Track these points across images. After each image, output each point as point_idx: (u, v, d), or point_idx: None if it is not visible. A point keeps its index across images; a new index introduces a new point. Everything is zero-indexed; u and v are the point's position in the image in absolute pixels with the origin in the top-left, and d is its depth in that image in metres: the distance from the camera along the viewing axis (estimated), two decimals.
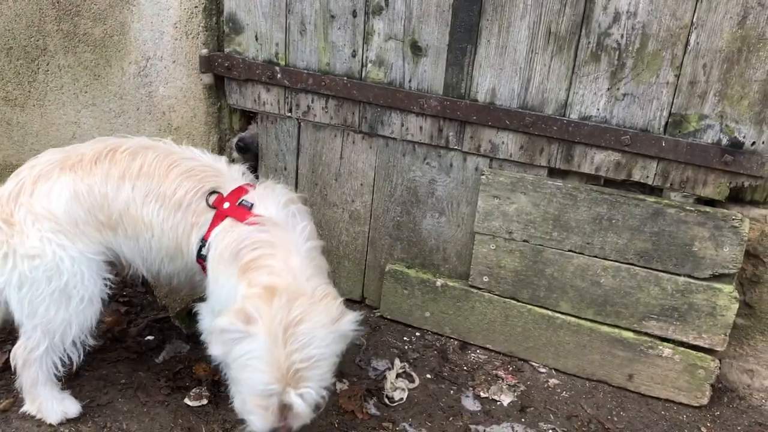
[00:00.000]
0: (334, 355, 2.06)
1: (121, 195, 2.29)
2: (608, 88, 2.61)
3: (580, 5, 2.54)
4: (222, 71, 3.08)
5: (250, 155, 3.30)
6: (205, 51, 3.07)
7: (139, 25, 3.16)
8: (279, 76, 3.01)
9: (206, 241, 2.26)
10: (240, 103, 3.16)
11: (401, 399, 2.75)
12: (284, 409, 2.01)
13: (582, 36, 2.57)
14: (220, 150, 3.30)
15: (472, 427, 2.65)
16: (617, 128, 2.63)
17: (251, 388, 2.02)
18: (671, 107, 2.56)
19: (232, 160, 3.35)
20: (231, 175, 2.38)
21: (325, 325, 2.01)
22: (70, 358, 2.41)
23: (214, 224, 2.25)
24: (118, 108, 3.37)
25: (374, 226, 3.15)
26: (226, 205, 2.26)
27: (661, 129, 2.60)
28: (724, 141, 2.54)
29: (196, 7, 3.03)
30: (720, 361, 2.77)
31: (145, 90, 3.28)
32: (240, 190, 2.30)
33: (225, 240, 2.21)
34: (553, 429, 2.66)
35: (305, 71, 2.97)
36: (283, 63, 3.02)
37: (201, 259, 2.31)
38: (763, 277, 2.75)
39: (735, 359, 2.91)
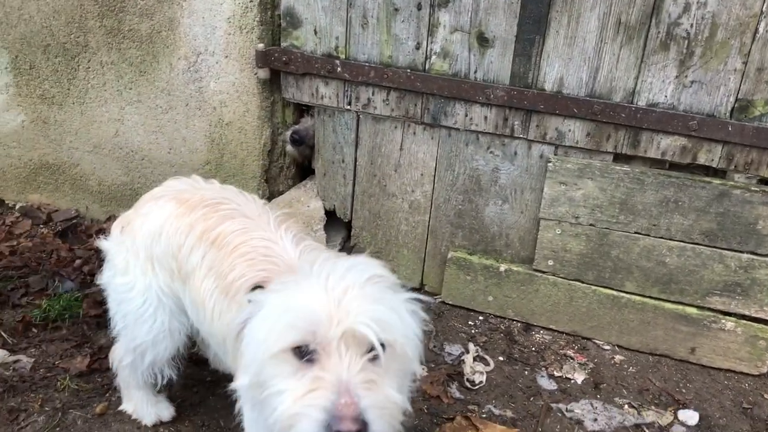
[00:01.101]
0: (413, 331, 1.57)
1: (193, 257, 2.01)
2: (676, 76, 2.70)
3: None
4: (279, 66, 3.08)
5: (304, 147, 3.32)
6: (261, 46, 3.05)
7: (190, 21, 3.12)
8: (339, 69, 3.02)
9: None
10: (296, 97, 3.17)
11: (481, 382, 2.85)
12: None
13: (652, 26, 2.66)
14: (273, 143, 3.31)
15: (554, 405, 2.76)
16: (684, 114, 2.73)
17: (273, 346, 1.48)
18: (738, 93, 2.67)
19: (284, 153, 3.37)
20: (297, 266, 1.84)
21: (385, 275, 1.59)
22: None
23: None
24: (166, 104, 3.33)
25: (435, 215, 3.21)
26: None
27: (728, 114, 2.71)
28: None
29: (251, 1, 3.00)
30: None
31: (195, 86, 3.25)
32: None
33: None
34: (629, 403, 2.79)
35: (366, 64, 2.99)
36: (343, 56, 3.02)
37: None
38: None
39: None
